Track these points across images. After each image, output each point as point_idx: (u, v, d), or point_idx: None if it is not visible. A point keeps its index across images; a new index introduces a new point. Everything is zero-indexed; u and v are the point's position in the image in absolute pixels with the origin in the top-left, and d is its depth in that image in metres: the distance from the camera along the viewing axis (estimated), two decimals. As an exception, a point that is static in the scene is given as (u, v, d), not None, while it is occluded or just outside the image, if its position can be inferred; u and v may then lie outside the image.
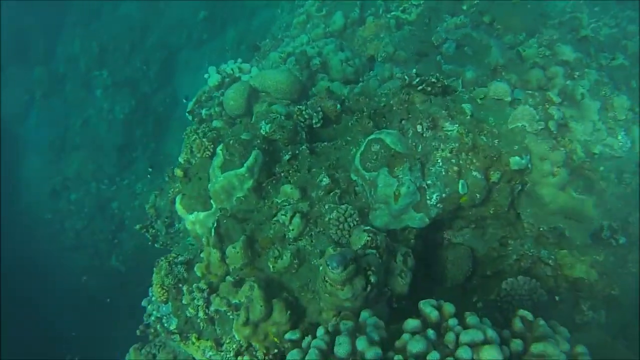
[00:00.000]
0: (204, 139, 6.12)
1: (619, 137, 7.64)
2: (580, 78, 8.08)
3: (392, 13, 10.24)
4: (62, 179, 15.00)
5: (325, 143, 6.27)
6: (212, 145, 6.14)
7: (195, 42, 16.85)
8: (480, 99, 6.52)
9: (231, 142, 5.72)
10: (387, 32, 9.87)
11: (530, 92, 7.59)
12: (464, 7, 9.85)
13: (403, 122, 5.66)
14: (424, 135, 5.51)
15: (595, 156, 7.39)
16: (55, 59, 16.89)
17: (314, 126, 6.55)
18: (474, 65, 8.37)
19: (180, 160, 6.47)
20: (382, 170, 5.29)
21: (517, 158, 5.52)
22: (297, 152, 6.02)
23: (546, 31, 9.39)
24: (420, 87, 5.85)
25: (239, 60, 8.84)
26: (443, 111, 5.61)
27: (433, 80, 5.88)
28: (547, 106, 6.18)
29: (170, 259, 5.90)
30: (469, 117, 5.73)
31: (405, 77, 5.87)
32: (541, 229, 6.02)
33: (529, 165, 5.53)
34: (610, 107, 7.88)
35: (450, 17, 9.86)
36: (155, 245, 9.32)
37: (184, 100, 9.20)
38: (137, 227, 9.31)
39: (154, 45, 16.69)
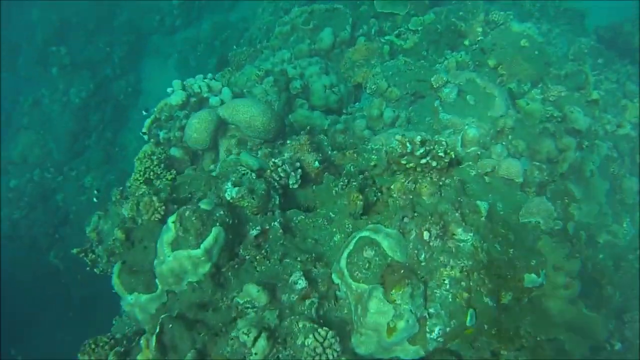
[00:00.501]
0: (154, 198, 4.84)
1: (624, 225, 6.71)
2: (590, 151, 7.08)
3: (387, 37, 9.04)
4: (3, 162, 13.36)
5: (303, 217, 5.06)
6: (163, 208, 4.87)
7: (167, 28, 15.28)
8: (487, 174, 5.44)
9: (187, 213, 4.48)
10: (379, 59, 8.69)
11: (537, 163, 6.57)
12: (466, 43, 8.72)
13: (405, 220, 4.49)
14: (431, 244, 4.36)
15: (597, 245, 6.45)
16: (10, 25, 15.05)
17: (291, 187, 5.34)
18: (475, 117, 7.27)
19: (125, 213, 5.18)
20: (375, 289, 4.12)
21: (533, 276, 4.46)
22: (267, 226, 4.80)
23: (551, 83, 8.40)
24: (423, 160, 4.69)
25: (209, 75, 7.50)
26: (455, 213, 4.49)
27: (440, 153, 4.74)
28: (567, 201, 5.12)
29: (102, 343, 4.63)
30: (483, 218, 4.62)
31: (407, 143, 4.71)
32: (539, 339, 5.00)
33: (544, 282, 4.47)
34: (618, 189, 6.92)
35: (450, 51, 8.73)
36: (95, 270, 7.96)
37: (143, 112, 7.84)
38: (74, 251, 7.94)
39: (122, 25, 15.05)
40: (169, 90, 7.50)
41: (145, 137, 7.37)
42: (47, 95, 13.73)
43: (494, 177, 5.50)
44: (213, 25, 14.10)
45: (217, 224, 4.48)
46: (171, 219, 4.54)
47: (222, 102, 7.15)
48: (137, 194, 5.04)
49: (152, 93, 14.77)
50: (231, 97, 7.18)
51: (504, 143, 6.92)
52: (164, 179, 5.45)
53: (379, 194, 5.19)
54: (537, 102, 8.00)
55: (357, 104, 8.28)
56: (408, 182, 4.83)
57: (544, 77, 8.53)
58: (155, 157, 6.89)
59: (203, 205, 4.61)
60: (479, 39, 8.68)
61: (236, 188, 4.84)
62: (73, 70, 13.90)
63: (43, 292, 13.02)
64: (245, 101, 6.25)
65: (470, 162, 5.61)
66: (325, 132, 7.99)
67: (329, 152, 6.22)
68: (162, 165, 6.95)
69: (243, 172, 5.19)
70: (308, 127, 6.31)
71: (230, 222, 4.59)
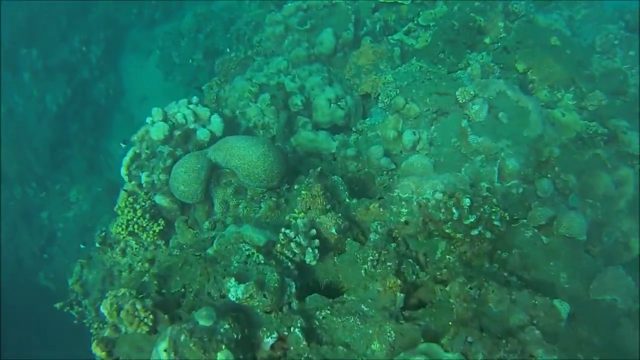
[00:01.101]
0: (138, 306, 3.64)
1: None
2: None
3: (395, 37, 7.71)
4: (-21, 180, 12.07)
5: (328, 311, 3.90)
6: (150, 317, 3.68)
7: (146, 21, 13.78)
8: (541, 227, 4.32)
9: (183, 338, 3.32)
10: (389, 63, 7.42)
11: (591, 201, 5.43)
12: (487, 41, 7.42)
13: (469, 340, 3.33)
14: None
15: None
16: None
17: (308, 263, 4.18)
18: (510, 139, 6.08)
19: (104, 311, 3.98)
20: None
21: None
22: (285, 331, 3.63)
23: (585, 86, 7.18)
24: (475, 231, 3.54)
25: (194, 99, 6.22)
26: (535, 331, 3.31)
27: (496, 222, 3.58)
28: None
29: None
30: (563, 323, 3.48)
31: (453, 208, 3.55)
32: None
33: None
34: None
35: (469, 51, 7.43)
36: (83, 322, 6.92)
37: (122, 145, 6.61)
38: (58, 305, 6.89)
39: (97, 20, 13.53)
40: (148, 120, 6.22)
41: (126, 177, 6.14)
42: (21, 104, 12.33)
43: (553, 236, 4.34)
44: (195, 17, 12.62)
45: (223, 345, 3.31)
46: (163, 345, 3.36)
47: (212, 135, 5.88)
48: (115, 295, 3.83)
49: (134, 94, 13.37)
50: (222, 128, 5.94)
51: (549, 176, 5.73)
52: (149, 273, 4.23)
53: (417, 269, 4.01)
54: (574, 112, 6.80)
55: (367, 119, 7.01)
56: (469, 288, 3.64)
57: (575, 78, 7.27)
58: (138, 207, 5.70)
59: (202, 321, 3.45)
60: (502, 36, 7.38)
61: (242, 286, 3.68)
62: (47, 74, 12.47)
63: (35, 316, 11.91)
64: (241, 142, 5.01)
65: (523, 220, 4.39)
66: (333, 157, 6.78)
67: (347, 200, 5.03)
68: (148, 215, 5.76)
69: (247, 252, 4.03)
70: (319, 168, 5.07)
71: (239, 336, 3.42)
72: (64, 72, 12.66)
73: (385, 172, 6.24)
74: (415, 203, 4.77)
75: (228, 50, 10.80)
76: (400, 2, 8.98)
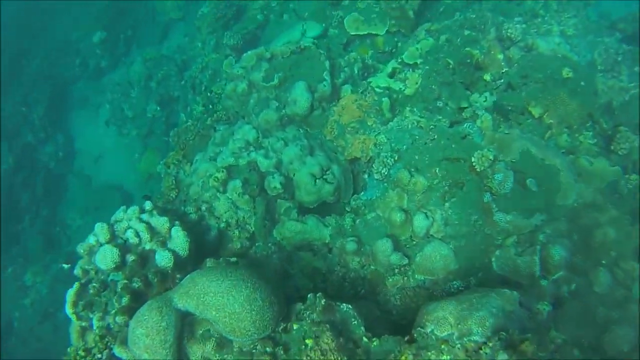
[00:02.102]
0: None
1: None
2: None
3: (380, 82, 6.35)
4: None
5: None
6: None
7: (92, 72, 12.09)
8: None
9: None
10: (378, 117, 6.09)
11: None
12: (487, 77, 6.11)
13: None
14: None
15: None
16: None
17: None
18: (544, 213, 4.79)
19: None
20: None
21: None
22: None
23: (605, 120, 5.99)
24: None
25: (147, 205, 4.74)
26: None
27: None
28: None
29: None
30: None
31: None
32: None
33: None
34: None
35: (469, 92, 6.12)
36: None
37: (64, 266, 5.18)
38: None
39: (35, 76, 11.76)
40: (91, 240, 4.69)
41: (73, 318, 4.65)
42: (-41, 181, 10.56)
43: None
44: (145, 64, 11.04)
45: None
46: None
47: (176, 257, 4.41)
48: None
49: (88, 153, 11.70)
50: (188, 245, 4.49)
51: (604, 262, 4.45)
52: None
53: None
54: (601, 158, 5.54)
55: (362, 194, 5.61)
56: None
57: (593, 112, 6.03)
58: (90, 364, 4.21)
59: None
60: (504, 70, 6.06)
61: None
62: (-16, 143, 10.70)
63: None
64: (215, 285, 3.62)
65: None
66: (329, 248, 5.38)
67: (365, 340, 3.65)
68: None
69: None
70: (323, 301, 3.67)
71: None
72: (3, 139, 10.92)
73: (397, 270, 4.86)
74: (459, 347, 3.40)
75: (183, 115, 9.30)
76: (374, 33, 7.65)
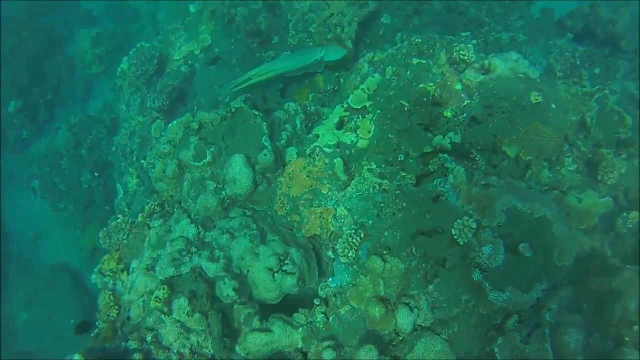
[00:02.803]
0: None
1: None
2: None
3: (327, 137, 5.46)
4: None
5: None
6: None
7: (13, 145, 10.79)
8: None
9: None
10: (333, 183, 5.18)
11: None
12: (448, 114, 5.30)
13: None
14: None
15: None
16: None
17: None
18: (546, 282, 4.03)
19: None
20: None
21: None
22: None
23: (582, 142, 5.28)
24: None
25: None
26: None
27: None
28: None
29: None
30: None
31: None
32: None
33: None
34: None
35: (431, 134, 5.28)
36: None
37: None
38: None
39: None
40: None
41: None
42: None
43: None
44: (71, 129, 9.85)
45: None
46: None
47: None
48: None
49: (24, 234, 10.40)
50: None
51: (627, 339, 3.66)
52: None
53: None
54: (590, 192, 4.78)
55: (330, 279, 4.70)
56: None
57: (569, 134, 5.29)
58: None
59: None
60: (465, 103, 5.21)
61: None
62: None
63: None
64: None
65: None
66: (304, 355, 4.46)
67: None
68: None
69: None
70: None
71: None
72: None
73: (388, 383, 3.97)
74: None
75: (119, 186, 8.17)
76: (311, 71, 6.72)
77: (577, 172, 5.15)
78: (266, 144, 5.38)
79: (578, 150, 5.19)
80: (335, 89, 6.84)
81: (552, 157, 5.02)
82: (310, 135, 5.86)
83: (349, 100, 5.79)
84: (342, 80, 6.87)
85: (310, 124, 6.13)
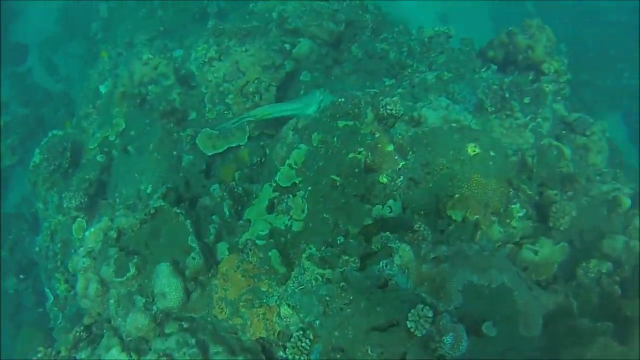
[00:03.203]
0: None
1: None
2: None
3: (259, 226, 4.97)
4: None
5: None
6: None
7: None
8: None
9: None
10: (272, 279, 4.72)
11: None
12: (384, 180, 4.94)
13: None
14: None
15: None
16: None
17: None
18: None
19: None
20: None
21: None
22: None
23: (528, 185, 5.00)
24: None
25: None
26: None
27: None
28: None
29: None
30: None
31: None
32: None
33: None
34: None
35: (368, 204, 4.85)
36: None
37: None
38: None
39: None
40: None
41: None
42: None
43: None
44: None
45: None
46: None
47: None
48: None
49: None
50: None
51: None
52: None
53: None
54: (545, 243, 4.44)
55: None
56: None
57: (512, 179, 4.97)
58: None
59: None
60: (400, 165, 4.83)
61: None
62: None
63: None
64: None
65: None
66: None
67: None
68: None
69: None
70: None
71: None
72: None
73: None
74: None
75: (48, 291, 7.36)
76: (234, 145, 6.25)
77: (527, 219, 4.82)
78: (193, 245, 4.80)
79: (524, 194, 4.87)
80: (262, 160, 6.37)
81: (500, 209, 4.68)
82: (241, 221, 5.33)
83: (277, 179, 5.30)
84: (267, 151, 6.41)
85: (240, 208, 5.60)
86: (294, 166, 5.32)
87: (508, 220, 4.62)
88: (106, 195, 6.94)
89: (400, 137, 5.17)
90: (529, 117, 6.14)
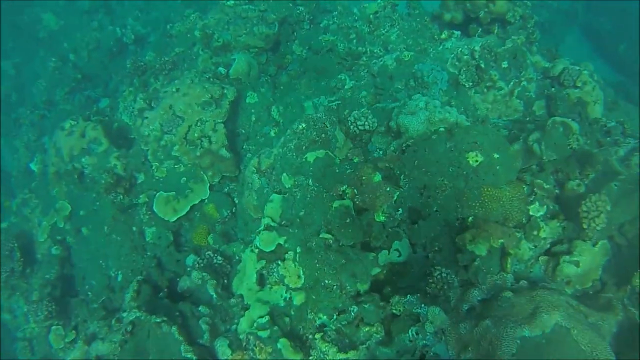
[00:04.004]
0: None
1: None
2: None
3: (255, 311, 4.11)
4: None
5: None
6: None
7: None
8: None
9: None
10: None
11: None
12: (381, 218, 4.22)
13: None
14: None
15: None
16: None
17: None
18: None
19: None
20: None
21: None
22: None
23: (547, 182, 4.23)
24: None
25: None
26: None
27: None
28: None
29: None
30: None
31: None
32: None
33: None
34: None
35: (370, 252, 4.03)
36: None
37: None
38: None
39: None
40: None
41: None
42: None
43: None
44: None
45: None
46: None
47: None
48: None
49: None
50: None
51: None
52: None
53: None
54: (584, 247, 3.75)
55: None
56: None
57: (522, 173, 4.21)
58: None
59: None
60: (395, 196, 4.04)
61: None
62: None
63: None
64: None
65: None
66: None
67: None
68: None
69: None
70: None
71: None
72: None
73: None
74: None
75: None
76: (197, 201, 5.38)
77: (551, 217, 4.07)
78: (189, 355, 3.96)
79: (541, 189, 4.10)
80: (234, 211, 5.47)
81: (522, 219, 3.91)
82: (233, 299, 4.49)
83: (258, 244, 4.42)
84: (236, 200, 5.49)
85: (226, 281, 4.74)
86: (272, 224, 4.44)
87: (535, 233, 3.86)
88: (75, 291, 6.01)
89: (384, 160, 4.30)
90: (512, 83, 5.33)
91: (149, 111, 5.71)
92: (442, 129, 4.24)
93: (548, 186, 4.10)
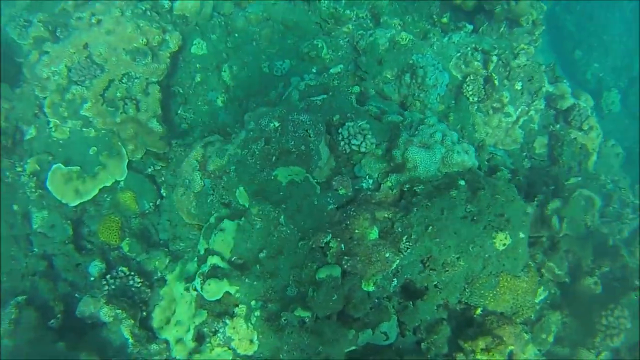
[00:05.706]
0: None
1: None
2: None
3: None
4: None
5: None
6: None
7: None
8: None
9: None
10: None
11: None
12: (370, 288, 3.24)
13: None
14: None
15: None
16: None
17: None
18: None
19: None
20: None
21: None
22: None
23: (560, 268, 3.50)
24: None
25: None
26: None
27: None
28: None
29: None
30: None
31: None
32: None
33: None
34: None
35: (350, 329, 3.06)
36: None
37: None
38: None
39: None
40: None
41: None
42: None
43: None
44: None
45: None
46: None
47: None
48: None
49: None
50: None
51: None
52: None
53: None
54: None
55: None
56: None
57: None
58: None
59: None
60: (395, 265, 2.99)
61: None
62: None
63: None
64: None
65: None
66: None
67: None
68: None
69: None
70: None
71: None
72: None
73: None
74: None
75: None
76: (108, 183, 3.87)
77: (552, 306, 3.35)
78: None
79: (551, 273, 3.32)
80: (157, 204, 3.99)
81: (531, 315, 3.12)
82: (155, 345, 3.26)
83: (198, 287, 3.15)
84: (164, 191, 3.99)
85: (145, 313, 3.44)
86: (221, 264, 3.16)
87: (544, 336, 3.11)
88: None
89: (385, 207, 3.15)
90: (519, 110, 4.32)
91: (51, 43, 3.79)
92: (462, 183, 3.16)
93: (560, 272, 3.33)
